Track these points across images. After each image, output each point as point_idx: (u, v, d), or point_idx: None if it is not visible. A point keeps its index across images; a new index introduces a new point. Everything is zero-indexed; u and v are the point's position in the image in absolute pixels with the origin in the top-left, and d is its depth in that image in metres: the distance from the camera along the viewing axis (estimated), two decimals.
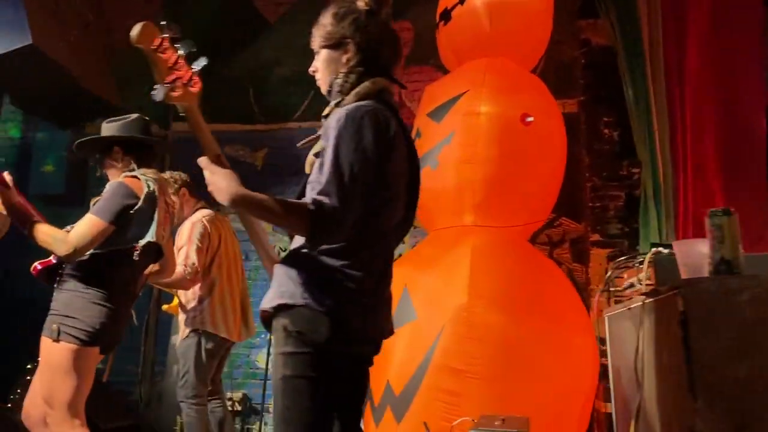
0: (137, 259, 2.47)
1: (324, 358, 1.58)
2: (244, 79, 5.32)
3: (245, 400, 4.78)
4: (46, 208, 5.44)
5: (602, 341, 3.86)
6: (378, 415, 3.39)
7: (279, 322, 1.61)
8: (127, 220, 2.41)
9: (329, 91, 1.78)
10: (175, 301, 3.69)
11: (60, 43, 4.22)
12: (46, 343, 2.38)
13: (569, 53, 4.79)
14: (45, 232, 2.32)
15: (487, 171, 3.62)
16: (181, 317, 3.59)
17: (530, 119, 3.73)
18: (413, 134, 4.03)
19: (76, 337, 2.36)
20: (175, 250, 3.55)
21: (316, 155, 1.64)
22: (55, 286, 2.46)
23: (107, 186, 2.49)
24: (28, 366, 4.63)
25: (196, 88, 1.76)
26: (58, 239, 2.30)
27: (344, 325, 1.59)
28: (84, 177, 5.47)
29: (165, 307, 3.79)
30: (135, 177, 2.52)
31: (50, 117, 4.90)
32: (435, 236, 3.81)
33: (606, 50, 4.67)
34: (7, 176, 2.34)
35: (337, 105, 1.70)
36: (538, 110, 3.79)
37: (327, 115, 1.73)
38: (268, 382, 4.62)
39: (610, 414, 3.52)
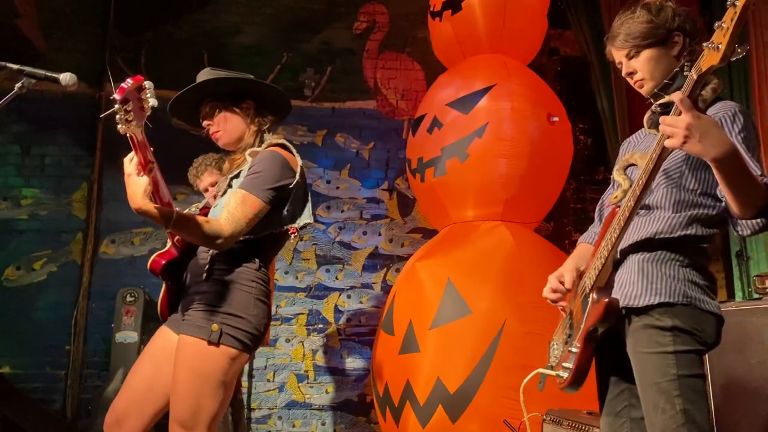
0: (292, 241, 2.08)
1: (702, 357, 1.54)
2: (198, 43, 4.70)
3: None
4: None
5: None
6: (425, 415, 3.22)
7: (662, 321, 1.51)
8: (284, 198, 1.97)
9: (663, 86, 1.64)
10: None
11: None
12: (196, 345, 1.84)
13: (538, 60, 4.98)
14: (191, 226, 1.79)
15: (520, 166, 3.63)
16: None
17: (555, 119, 3.82)
18: (429, 122, 3.90)
19: (241, 341, 1.87)
20: None
21: None
22: (204, 277, 1.93)
23: (260, 156, 1.98)
24: None
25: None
26: (211, 235, 1.81)
27: (722, 325, 1.57)
28: None
29: None
30: (282, 146, 2.05)
31: None
32: (461, 229, 3.70)
33: (576, 60, 4.93)
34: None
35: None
36: (556, 111, 3.89)
37: (665, 104, 1.62)
38: (252, 381, 4.18)
39: None
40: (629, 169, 1.74)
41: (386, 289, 4.52)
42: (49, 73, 2.00)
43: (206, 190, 3.32)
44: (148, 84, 1.59)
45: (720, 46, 1.29)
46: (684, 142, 1.34)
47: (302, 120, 4.73)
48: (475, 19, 3.97)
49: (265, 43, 4.79)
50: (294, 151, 2.08)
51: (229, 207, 1.88)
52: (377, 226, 4.64)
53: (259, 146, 2.05)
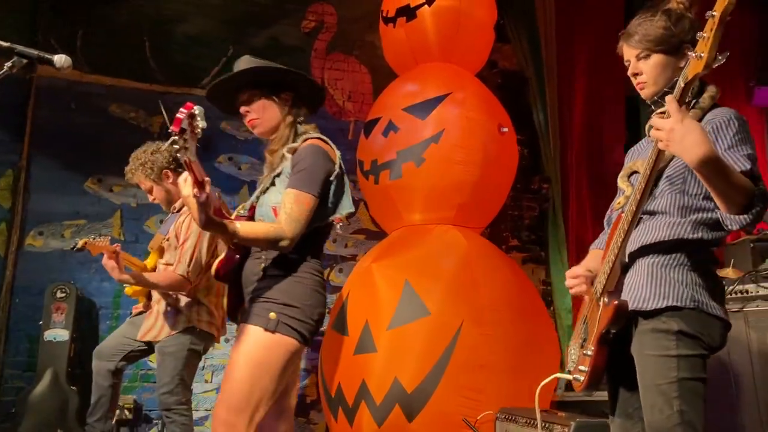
0: (341, 232, 2.13)
1: (707, 360, 1.60)
2: (139, 29, 4.48)
3: (136, 407, 4.04)
4: None
5: None
6: (381, 414, 3.26)
7: (668, 324, 1.57)
8: (328, 190, 2.06)
9: (663, 94, 1.69)
10: None
11: None
12: (254, 333, 1.93)
13: (479, 72, 5.15)
14: (256, 235, 1.90)
15: (473, 173, 3.76)
16: (160, 309, 2.94)
17: (504, 130, 3.98)
18: (384, 126, 3.95)
19: (298, 332, 1.95)
20: (166, 243, 2.93)
21: None
22: (261, 275, 2.00)
23: (302, 152, 2.03)
24: None
25: None
26: (275, 238, 1.91)
27: (728, 330, 1.64)
28: None
29: (129, 290, 3.02)
30: (320, 139, 2.10)
31: None
32: (414, 232, 3.77)
33: (514, 74, 5.15)
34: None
35: (687, 106, 1.62)
36: (504, 122, 4.06)
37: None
38: None
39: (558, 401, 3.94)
40: (633, 176, 1.82)
41: (329, 289, 4.51)
42: (42, 54, 1.88)
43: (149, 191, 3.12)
44: (198, 110, 1.65)
45: (702, 55, 1.38)
46: (667, 145, 1.43)
47: None
48: (429, 28, 4.05)
49: (210, 34, 4.66)
50: (330, 142, 2.14)
51: (285, 208, 1.95)
52: None
53: (294, 140, 2.09)
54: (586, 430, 2.56)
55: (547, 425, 2.74)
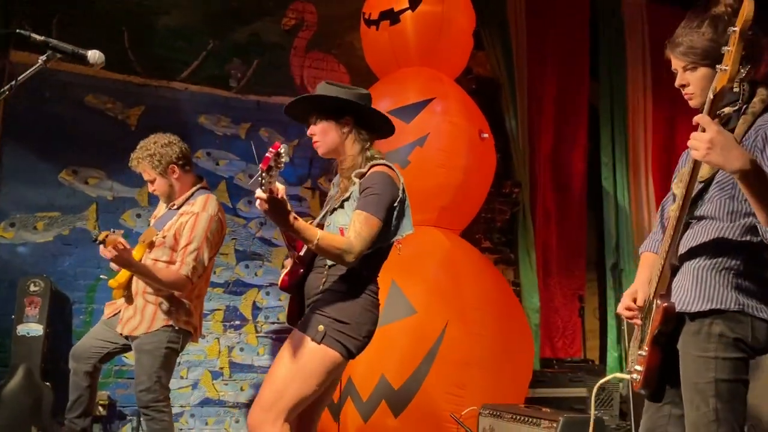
0: (399, 254, 2.30)
1: (750, 360, 1.65)
2: (118, 19, 4.39)
3: (110, 403, 3.97)
4: None
5: None
6: (367, 410, 3.34)
7: (711, 327, 1.63)
8: (391, 214, 2.18)
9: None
10: (124, 275, 2.90)
11: None
12: (301, 339, 2.08)
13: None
14: (331, 243, 2.02)
15: (456, 177, 3.88)
16: (139, 304, 2.90)
17: (485, 136, 4.12)
18: None
19: (344, 345, 2.08)
20: (160, 240, 2.89)
21: None
22: (321, 289, 2.15)
23: (371, 177, 2.16)
24: None
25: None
26: (344, 249, 2.03)
27: None
28: None
29: (114, 283, 2.95)
30: (386, 165, 2.22)
31: None
32: None
33: (487, 81, 5.29)
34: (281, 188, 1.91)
35: (739, 112, 1.71)
36: (483, 128, 4.19)
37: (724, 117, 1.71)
38: None
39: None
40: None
41: None
42: (76, 49, 1.88)
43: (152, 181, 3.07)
44: (283, 149, 1.80)
45: (726, 68, 1.45)
46: (706, 154, 1.46)
47: (226, 110, 4.62)
48: (412, 33, 4.15)
49: (191, 27, 4.60)
50: (394, 167, 2.28)
51: (355, 227, 2.08)
52: None
53: (363, 165, 2.22)
54: (573, 425, 2.70)
55: (534, 420, 2.88)
